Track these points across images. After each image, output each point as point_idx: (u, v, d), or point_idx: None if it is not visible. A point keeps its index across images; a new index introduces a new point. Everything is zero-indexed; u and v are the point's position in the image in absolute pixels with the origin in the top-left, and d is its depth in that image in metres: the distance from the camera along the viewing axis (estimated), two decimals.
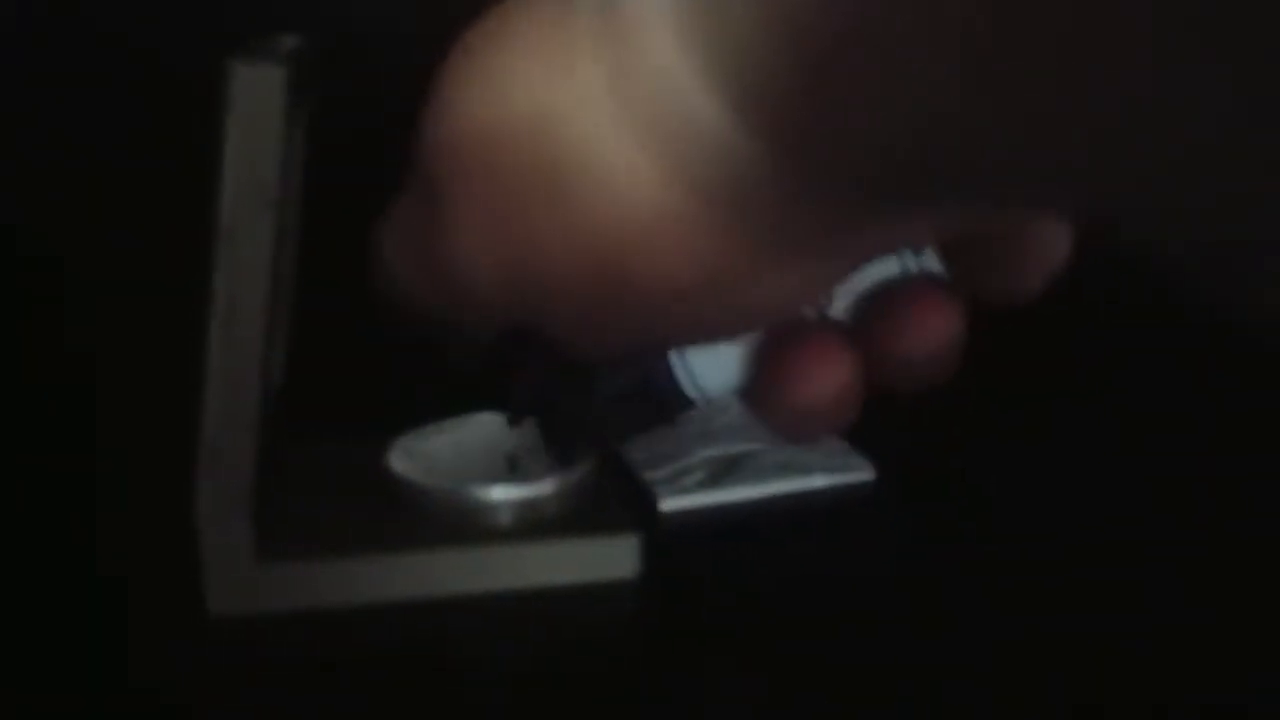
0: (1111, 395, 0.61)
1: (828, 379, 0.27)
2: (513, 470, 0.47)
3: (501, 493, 0.44)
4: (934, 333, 0.27)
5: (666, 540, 0.47)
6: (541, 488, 0.44)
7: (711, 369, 0.28)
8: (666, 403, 0.28)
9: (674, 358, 0.28)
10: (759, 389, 0.28)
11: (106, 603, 0.42)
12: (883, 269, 0.27)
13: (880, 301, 0.27)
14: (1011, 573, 0.45)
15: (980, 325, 0.67)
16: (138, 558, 0.44)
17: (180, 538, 0.41)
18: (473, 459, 0.47)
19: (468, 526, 0.43)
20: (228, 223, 0.37)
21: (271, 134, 0.37)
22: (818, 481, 0.52)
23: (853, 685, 0.39)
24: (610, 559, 0.44)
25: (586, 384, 0.29)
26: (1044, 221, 0.26)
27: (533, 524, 0.44)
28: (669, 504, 0.50)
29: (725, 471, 0.52)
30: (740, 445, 0.54)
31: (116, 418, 0.55)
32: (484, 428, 0.49)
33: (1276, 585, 0.44)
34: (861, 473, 0.52)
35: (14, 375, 0.59)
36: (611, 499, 0.46)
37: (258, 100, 0.36)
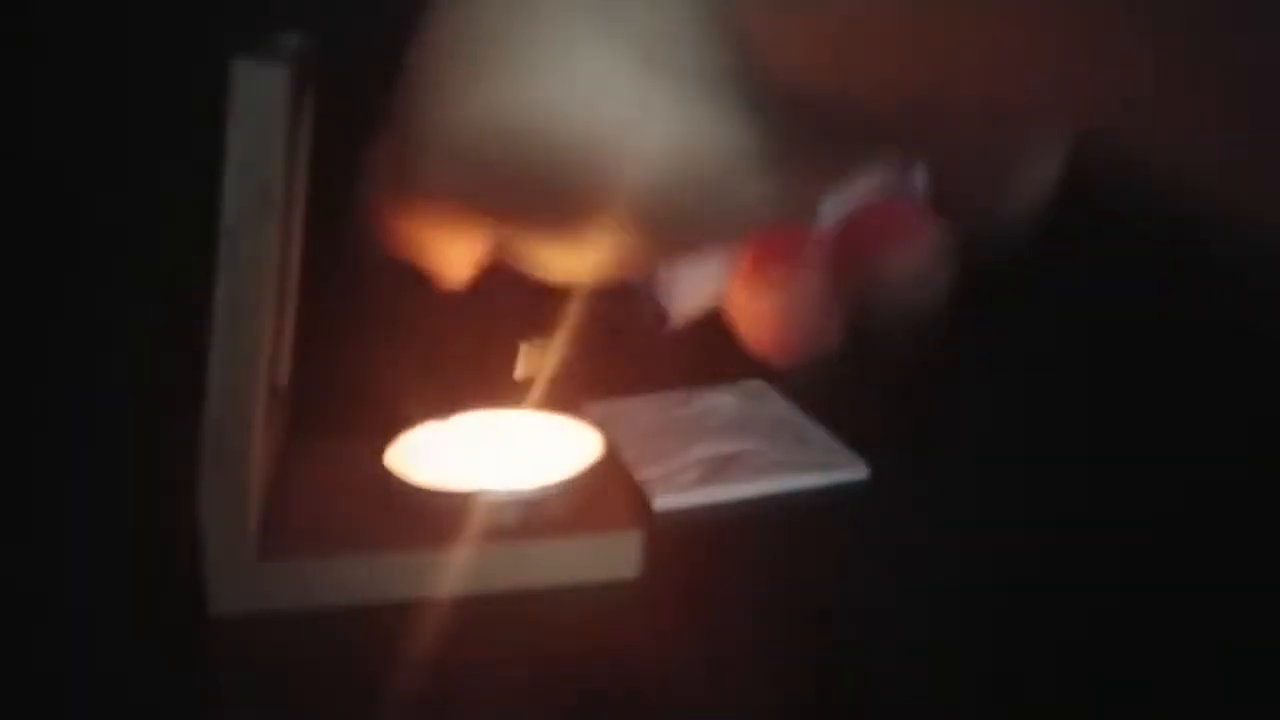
0: (1106, 395, 0.61)
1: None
2: (514, 469, 0.47)
3: (502, 492, 0.44)
4: (914, 248, 0.28)
5: (660, 538, 0.48)
6: (542, 487, 0.45)
7: (690, 284, 0.29)
8: (651, 310, 0.29)
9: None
10: (735, 296, 0.29)
11: (106, 602, 0.43)
12: (866, 184, 0.27)
13: (862, 218, 0.28)
14: (1005, 569, 0.45)
15: (975, 325, 0.67)
16: (138, 557, 0.45)
17: (180, 538, 0.41)
18: (473, 457, 0.48)
19: (468, 526, 0.44)
20: (231, 222, 0.38)
21: (275, 133, 0.37)
22: (811, 480, 0.52)
23: (848, 682, 0.39)
24: (611, 559, 0.44)
25: None
26: (1031, 140, 0.27)
27: (534, 524, 0.44)
28: (663, 502, 0.50)
29: (719, 470, 0.52)
30: (734, 444, 0.55)
31: (116, 416, 0.55)
32: (484, 426, 0.49)
33: (1268, 584, 0.44)
34: (855, 471, 0.52)
35: (14, 374, 0.59)
36: (612, 498, 0.47)
37: (261, 99, 0.37)
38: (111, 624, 0.41)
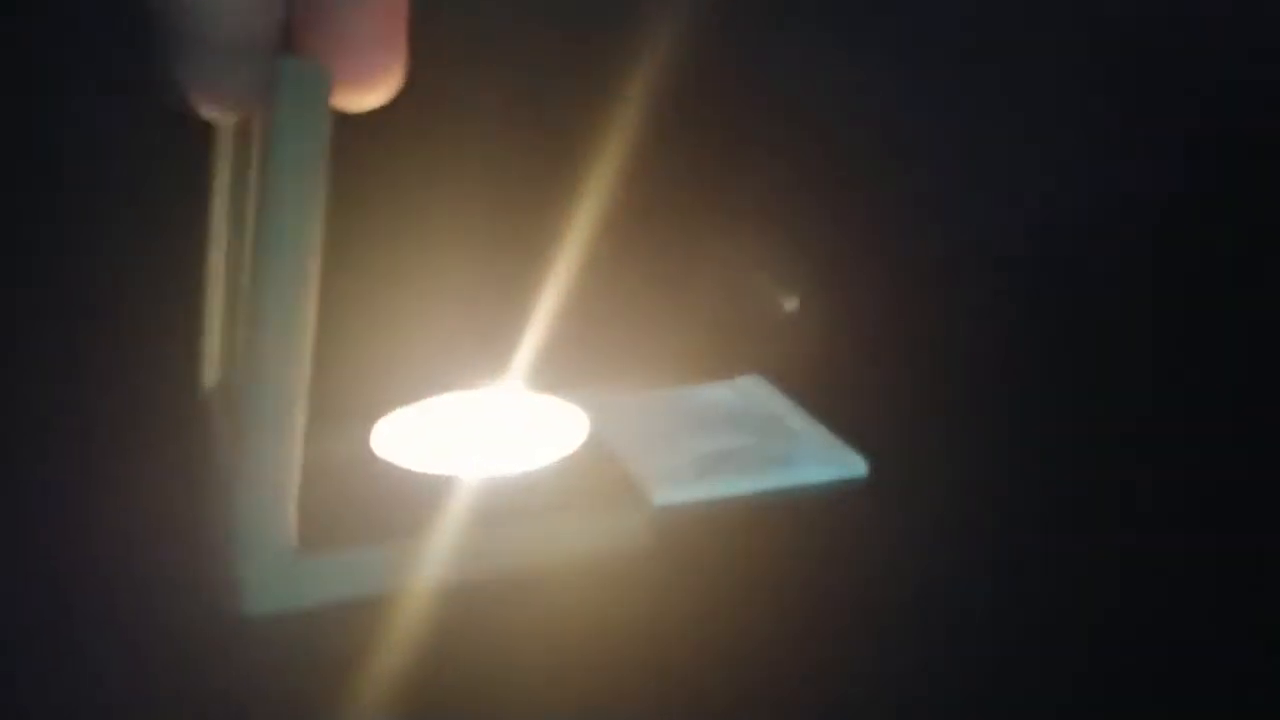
0: (1106, 390, 0.61)
1: None
2: (499, 450, 0.47)
3: (490, 474, 0.44)
4: None
5: (659, 533, 0.47)
6: (534, 467, 0.45)
7: None
8: None
9: None
10: None
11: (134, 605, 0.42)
12: None
13: None
14: (1006, 566, 0.45)
15: (973, 321, 0.67)
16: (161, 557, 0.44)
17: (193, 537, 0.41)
18: (457, 439, 0.47)
19: (459, 509, 0.43)
20: (276, 220, 0.37)
21: (319, 129, 0.37)
22: (810, 475, 0.52)
23: (845, 678, 0.39)
24: (609, 536, 0.44)
25: None
26: None
27: (527, 504, 0.44)
28: (662, 497, 0.50)
29: (718, 465, 0.52)
30: (733, 440, 0.54)
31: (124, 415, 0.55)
32: (468, 407, 0.49)
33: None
34: (854, 467, 0.52)
35: (14, 368, 0.59)
36: (604, 480, 0.47)
37: (306, 96, 0.36)
38: (142, 632, 0.41)
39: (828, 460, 0.53)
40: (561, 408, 0.50)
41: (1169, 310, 0.70)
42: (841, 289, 0.75)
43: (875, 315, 0.72)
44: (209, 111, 0.36)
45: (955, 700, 0.38)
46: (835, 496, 0.51)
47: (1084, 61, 0.83)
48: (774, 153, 0.85)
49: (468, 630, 0.41)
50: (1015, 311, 0.72)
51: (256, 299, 0.38)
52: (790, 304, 0.74)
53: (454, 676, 0.39)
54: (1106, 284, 0.74)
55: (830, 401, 0.58)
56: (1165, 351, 0.66)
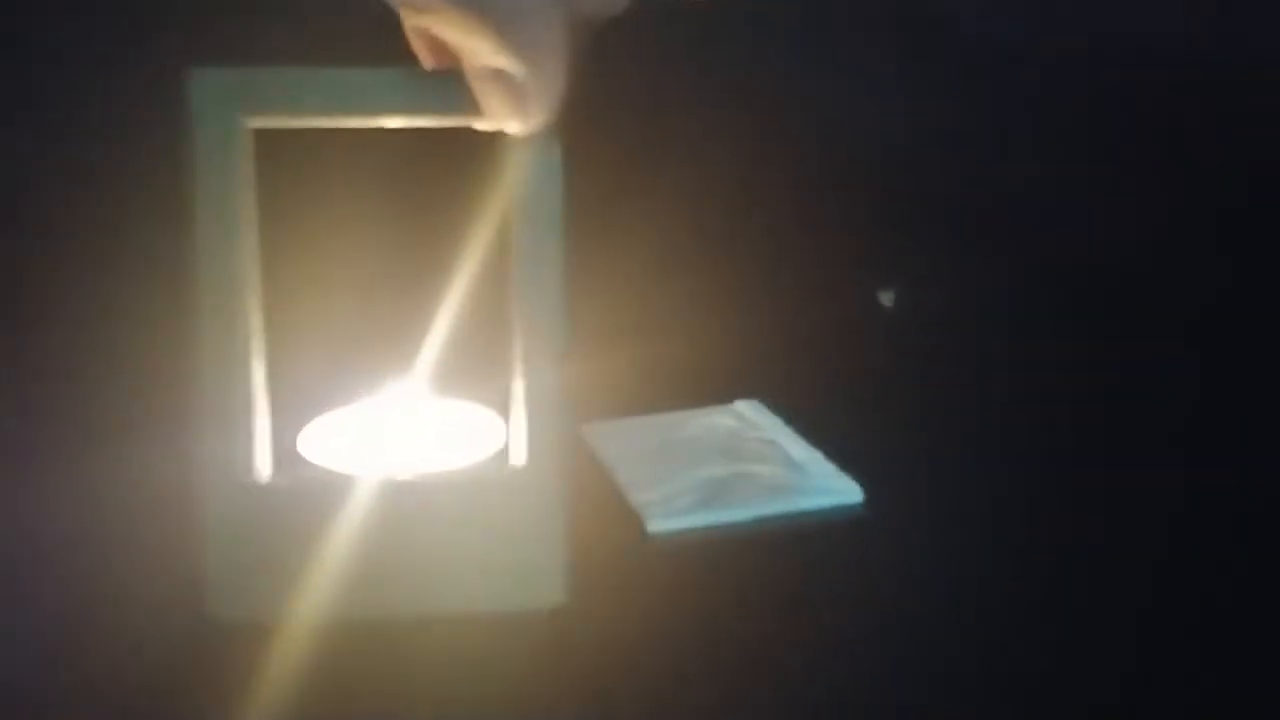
0: (1096, 416, 0.61)
1: None
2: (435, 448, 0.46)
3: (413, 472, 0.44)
4: None
5: (655, 561, 0.47)
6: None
7: None
8: None
9: None
10: None
11: None
12: None
13: None
14: (997, 590, 0.45)
15: (969, 351, 0.67)
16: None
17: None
18: (387, 441, 0.47)
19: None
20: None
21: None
22: (807, 503, 0.52)
23: (843, 702, 0.39)
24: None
25: None
26: None
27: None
28: (657, 525, 0.50)
29: (715, 493, 0.52)
30: (730, 467, 0.55)
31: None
32: (401, 408, 0.48)
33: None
34: (850, 495, 0.52)
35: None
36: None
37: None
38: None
39: (824, 489, 0.53)
40: (480, 413, 0.49)
41: (1164, 339, 0.70)
42: (841, 315, 0.76)
43: (871, 341, 0.72)
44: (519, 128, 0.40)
45: (950, 717, 0.38)
46: (831, 523, 0.51)
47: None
48: (772, 172, 0.85)
49: (464, 650, 0.41)
50: (1009, 338, 0.72)
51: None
52: (886, 298, 0.74)
53: (449, 700, 0.39)
54: (1098, 312, 0.74)
55: (826, 428, 0.58)
56: (1162, 376, 0.66)
